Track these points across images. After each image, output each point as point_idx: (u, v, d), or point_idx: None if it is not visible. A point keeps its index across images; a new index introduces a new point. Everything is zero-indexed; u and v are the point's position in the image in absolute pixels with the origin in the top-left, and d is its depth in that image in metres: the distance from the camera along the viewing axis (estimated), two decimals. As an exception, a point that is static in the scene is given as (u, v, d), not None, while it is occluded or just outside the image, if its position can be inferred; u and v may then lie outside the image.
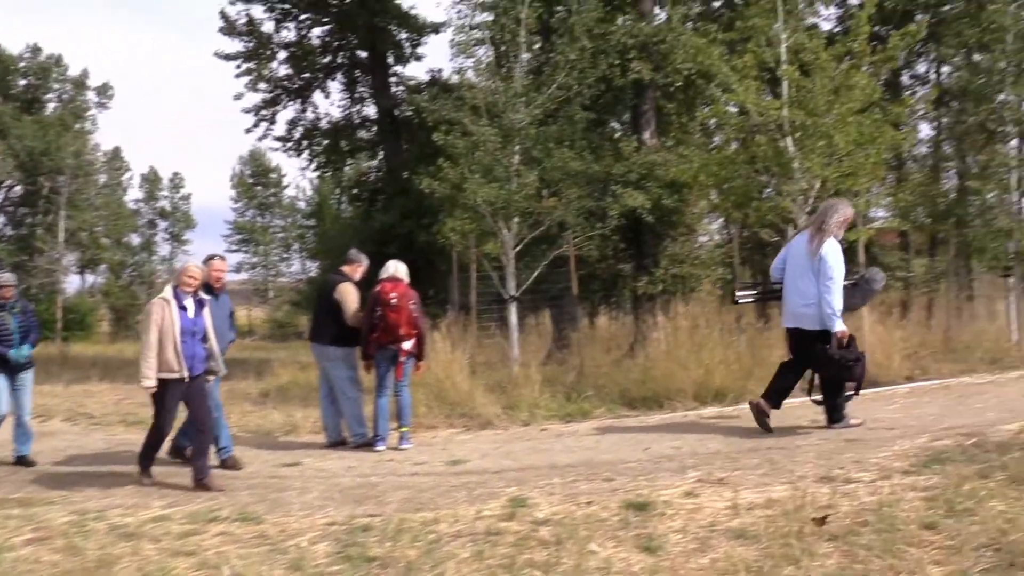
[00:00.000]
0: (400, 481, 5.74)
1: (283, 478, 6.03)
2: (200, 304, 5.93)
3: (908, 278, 21.89)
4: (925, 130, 23.89)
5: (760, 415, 6.34)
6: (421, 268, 19.65)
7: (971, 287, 14.63)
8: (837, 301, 6.01)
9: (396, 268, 7.11)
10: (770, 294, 7.05)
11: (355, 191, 26.91)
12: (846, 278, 6.25)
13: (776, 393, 6.47)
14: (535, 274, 10.94)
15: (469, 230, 10.33)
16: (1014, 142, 10.50)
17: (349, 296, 7.17)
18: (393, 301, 6.79)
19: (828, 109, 8.14)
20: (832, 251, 6.08)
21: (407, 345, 6.91)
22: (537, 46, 13.00)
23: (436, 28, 22.01)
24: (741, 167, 8.83)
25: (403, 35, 22.69)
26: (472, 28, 11.77)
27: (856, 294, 6.47)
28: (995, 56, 10.08)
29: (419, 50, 22.92)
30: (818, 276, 6.06)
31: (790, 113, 8.53)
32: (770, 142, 8.53)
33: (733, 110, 9.32)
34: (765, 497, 4.36)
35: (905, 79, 22.29)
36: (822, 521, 3.78)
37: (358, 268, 7.47)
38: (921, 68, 22.45)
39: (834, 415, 6.33)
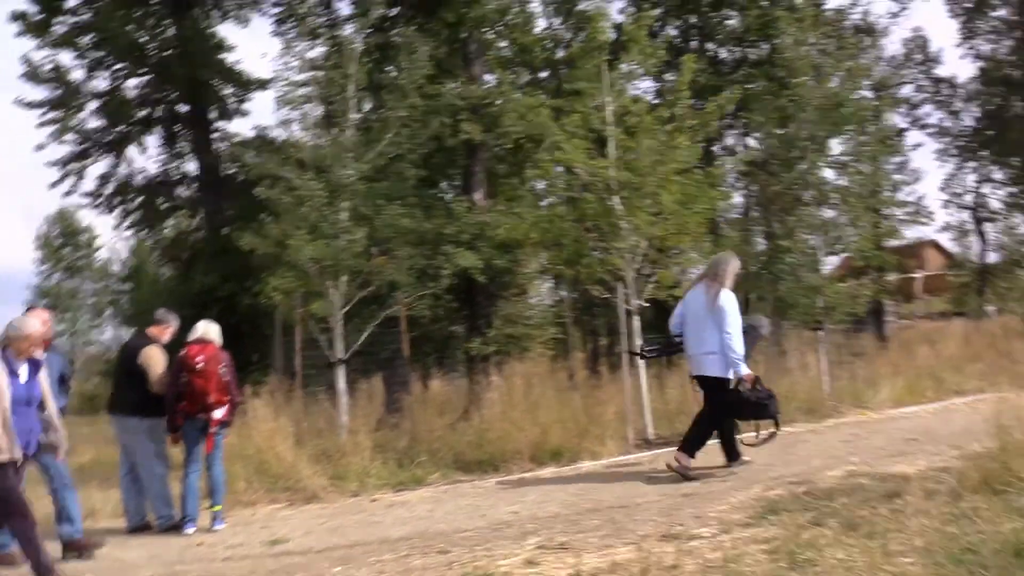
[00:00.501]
0: (210, 569, 5.11)
1: (76, 573, 5.21)
2: (35, 366, 5.06)
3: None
4: (736, 198, 25.66)
5: (682, 470, 6.41)
6: (245, 332, 18.57)
7: (784, 342, 15.53)
8: (739, 346, 6.33)
9: (205, 329, 6.50)
10: (673, 348, 7.23)
11: (173, 252, 25.37)
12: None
13: (693, 443, 6.59)
14: (364, 335, 10.48)
15: (294, 289, 9.76)
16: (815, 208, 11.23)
17: (155, 360, 6.47)
18: (200, 366, 6.17)
19: (653, 169, 8.36)
20: (729, 300, 6.42)
21: (218, 414, 6.28)
22: (368, 104, 12.78)
23: (263, 84, 21.34)
24: (570, 225, 8.88)
25: (227, 90, 21.85)
26: (300, 85, 11.39)
27: (746, 341, 6.67)
28: (798, 126, 10.80)
29: (244, 106, 22.11)
30: (719, 325, 6.34)
31: (617, 173, 8.70)
32: (598, 201, 8.65)
33: (561, 170, 9.40)
34: (609, 561, 4.15)
35: (717, 150, 23.86)
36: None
37: (166, 330, 6.79)
38: (730, 140, 24.25)
39: (731, 453, 6.68)
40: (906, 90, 32.71)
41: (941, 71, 33.72)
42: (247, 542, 5.85)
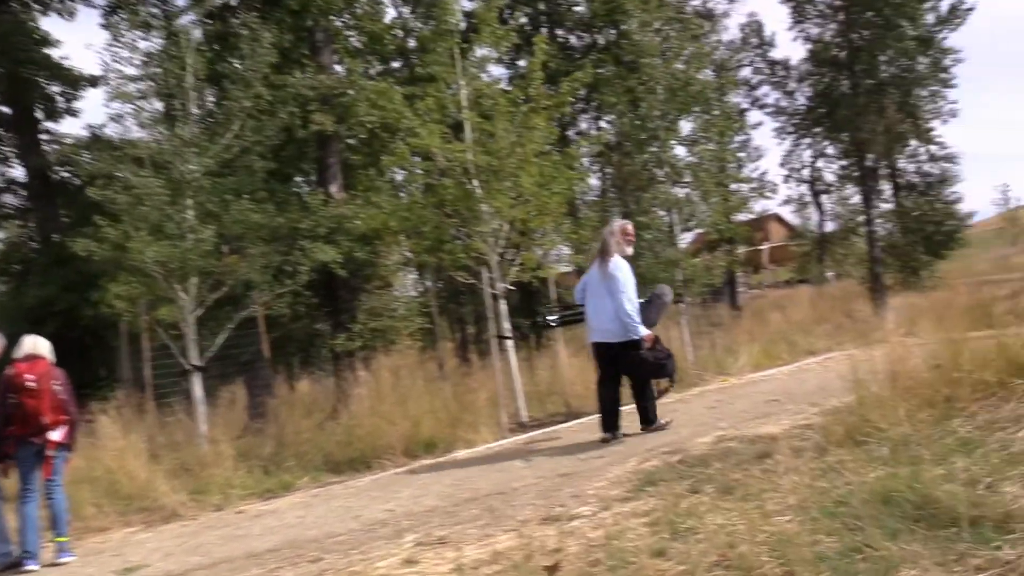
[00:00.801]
0: (54, 606, 4.60)
1: None
2: None
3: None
4: (593, 180, 26.16)
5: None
6: (90, 346, 17.27)
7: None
8: (633, 310, 6.62)
9: (34, 344, 5.88)
10: (576, 316, 7.50)
11: (3, 264, 23.35)
12: (639, 297, 6.90)
13: (609, 420, 6.81)
14: (220, 339, 9.90)
15: (138, 295, 9.07)
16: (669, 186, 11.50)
17: (-24, 383, 5.80)
18: (31, 384, 5.57)
19: (511, 152, 8.26)
20: (621, 267, 6.72)
21: (55, 435, 5.71)
22: (210, 96, 12.08)
23: (94, 81, 19.87)
24: (430, 212, 8.67)
25: (54, 88, 20.22)
26: (134, 79, 10.58)
27: (651, 310, 7.11)
28: (650, 105, 11.00)
29: (75, 104, 20.52)
30: (612, 293, 6.61)
31: (475, 157, 8.55)
32: (457, 185, 8.48)
33: (418, 158, 9.15)
34: (490, 551, 3.99)
35: (572, 135, 24.22)
36: (554, 568, 3.47)
37: (-8, 349, 6.11)
38: (584, 125, 24.66)
39: (648, 416, 6.87)
40: (745, 72, 34.33)
41: (775, 54, 35.52)
42: (98, 572, 5.34)
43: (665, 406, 8.19)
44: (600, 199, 22.64)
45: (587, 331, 7.15)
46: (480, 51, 9.37)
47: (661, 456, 5.56)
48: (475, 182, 8.48)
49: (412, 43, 19.52)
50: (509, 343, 8.99)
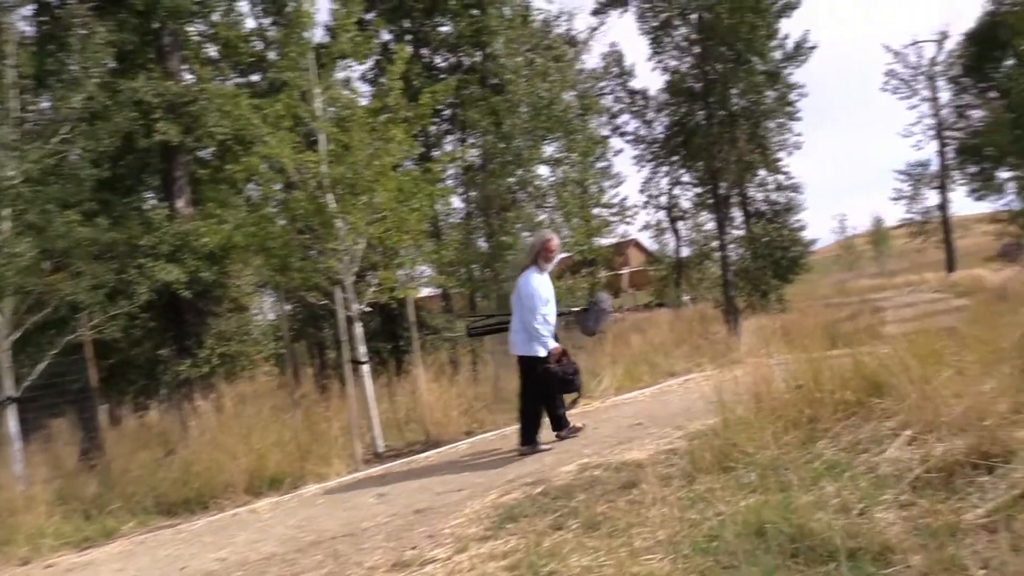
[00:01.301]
0: None
1: None
2: None
3: (454, 338, 23.14)
4: (457, 203, 25.92)
5: (533, 453, 6.59)
6: None
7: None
8: (540, 324, 6.50)
9: None
10: (497, 326, 7.49)
11: None
12: (578, 305, 7.13)
13: (529, 434, 6.76)
14: (40, 367, 8.89)
15: (-63, 317, 8.00)
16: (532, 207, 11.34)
17: None
18: None
19: (367, 164, 7.80)
20: (529, 281, 6.57)
21: None
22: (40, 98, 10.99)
23: None
24: (279, 227, 8.06)
25: None
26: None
27: (590, 318, 7.34)
28: (513, 124, 10.81)
29: None
30: (521, 306, 6.58)
31: (330, 169, 8.04)
32: (310, 199, 7.92)
33: (268, 170, 8.51)
34: (330, 606, 3.51)
35: (437, 155, 23.91)
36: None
37: None
38: (448, 147, 24.41)
39: (560, 423, 6.89)
40: (606, 101, 35.16)
41: (635, 84, 36.59)
42: None
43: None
44: (465, 221, 22.38)
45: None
46: (339, 60, 8.88)
47: (523, 487, 5.22)
48: (329, 196, 7.95)
49: (272, 55, 18.70)
50: (365, 368, 8.47)
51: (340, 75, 9.53)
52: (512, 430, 8.36)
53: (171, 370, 14.36)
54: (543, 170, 11.54)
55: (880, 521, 3.24)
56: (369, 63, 22.60)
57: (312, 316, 21.75)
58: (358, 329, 8.45)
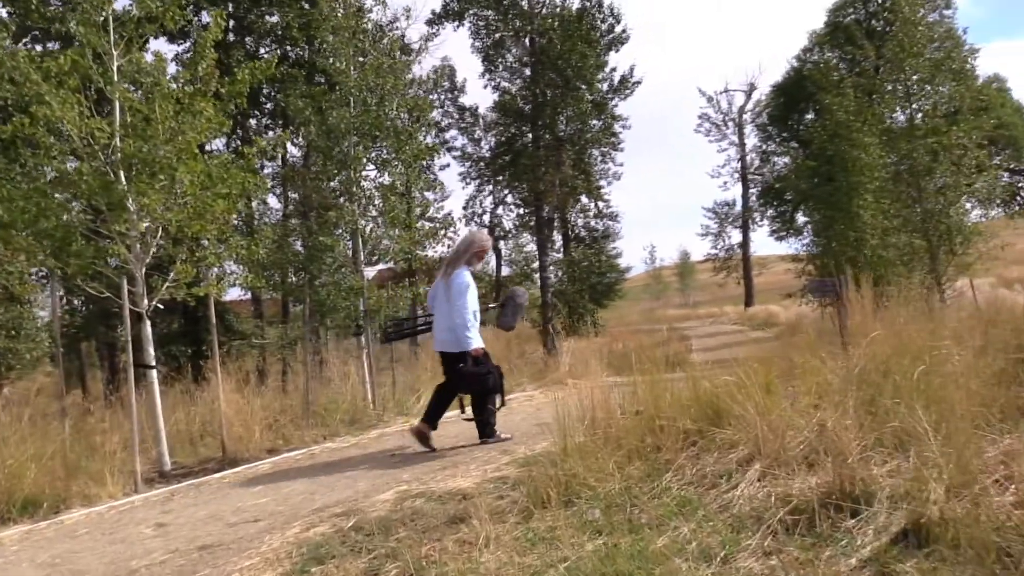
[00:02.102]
0: None
1: None
2: None
3: (263, 345, 21.71)
4: (274, 202, 24.47)
5: (422, 438, 6.55)
6: None
7: (323, 350, 14.72)
8: (468, 321, 6.32)
9: None
10: (417, 327, 7.31)
11: None
12: (494, 301, 6.29)
13: (433, 414, 6.68)
14: None
15: None
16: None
17: None
18: None
19: (169, 139, 6.78)
20: (463, 278, 6.45)
21: None
22: None
23: None
24: (56, 203, 6.84)
25: None
26: None
27: (507, 313, 7.30)
28: (340, 116, 10.01)
29: None
30: (449, 300, 6.39)
31: (125, 142, 6.94)
32: (96, 174, 6.77)
33: (47, 136, 7.23)
34: None
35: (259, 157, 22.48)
36: None
37: None
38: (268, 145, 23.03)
39: (485, 430, 6.59)
40: (435, 115, 34.73)
41: (466, 100, 36.51)
42: None
43: (337, 454, 7.18)
44: (282, 221, 21.14)
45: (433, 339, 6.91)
46: (145, 22, 7.76)
47: (331, 519, 4.49)
48: (121, 172, 6.85)
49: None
50: (152, 374, 7.37)
51: (148, 47, 8.36)
52: (321, 449, 7.58)
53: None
54: (370, 173, 10.76)
55: (748, 571, 2.85)
56: (185, 45, 20.98)
57: (103, 313, 19.64)
58: (147, 329, 7.35)
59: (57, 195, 6.88)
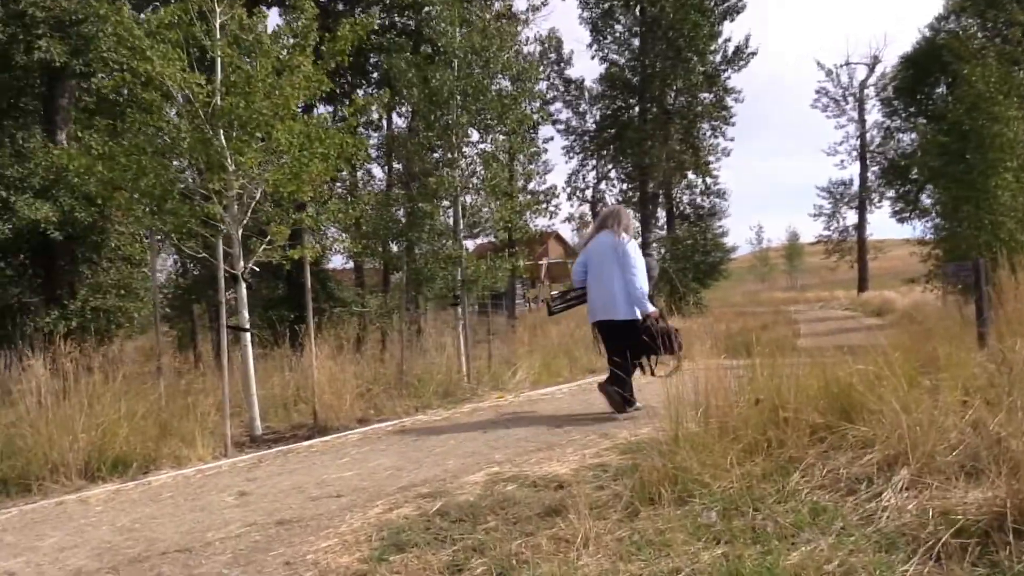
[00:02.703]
0: None
1: None
2: None
3: (363, 313, 21.87)
4: (378, 174, 24.53)
5: (617, 398, 6.56)
6: None
7: (421, 320, 14.57)
8: (645, 286, 6.58)
9: None
10: (577, 299, 7.25)
11: None
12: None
13: (614, 382, 6.60)
14: None
15: None
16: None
17: None
18: None
19: (268, 95, 6.57)
20: (632, 247, 6.65)
21: None
22: None
23: None
24: (154, 159, 6.73)
25: None
26: None
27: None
28: (443, 79, 9.67)
29: None
30: (624, 271, 6.52)
31: (224, 99, 6.78)
32: (194, 129, 6.63)
33: (148, 91, 7.13)
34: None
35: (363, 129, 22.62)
36: None
37: None
38: (375, 115, 23.11)
39: (627, 398, 6.59)
40: (541, 85, 34.21)
41: (572, 73, 35.87)
42: None
43: (426, 426, 6.92)
44: (385, 192, 21.12)
45: (593, 310, 6.83)
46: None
47: (416, 500, 4.17)
48: (220, 129, 6.69)
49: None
50: (246, 337, 7.26)
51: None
52: (412, 421, 7.34)
53: (34, 320, 12.75)
54: (472, 140, 10.42)
55: (906, 604, 2.34)
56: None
57: (212, 276, 20.18)
58: (243, 291, 7.23)
59: (156, 153, 6.76)
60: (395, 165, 22.78)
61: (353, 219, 8.11)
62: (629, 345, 6.58)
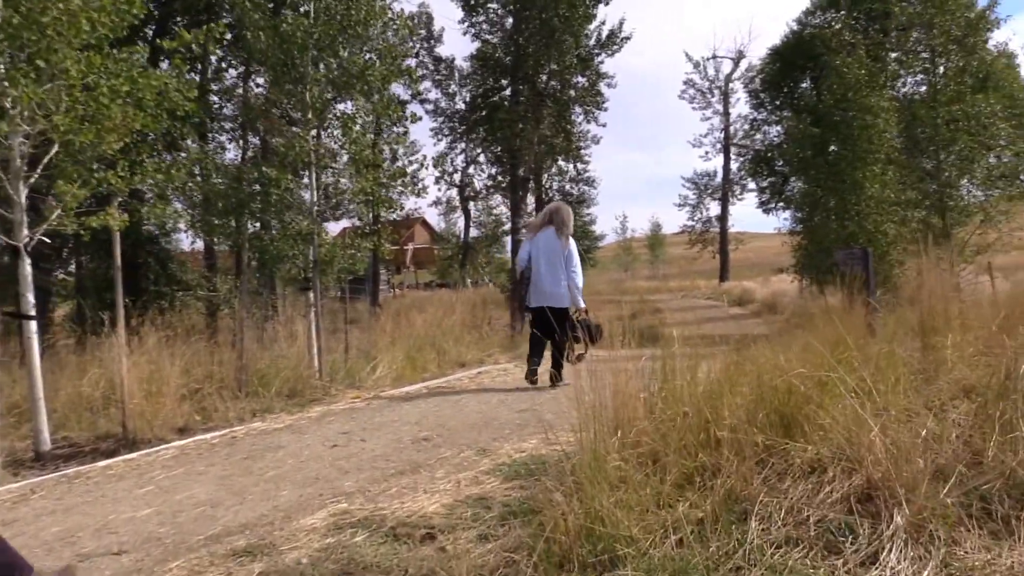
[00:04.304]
0: None
1: None
2: None
3: (211, 298, 19.90)
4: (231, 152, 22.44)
5: (536, 377, 7.41)
6: None
7: (278, 306, 13.02)
8: (582, 283, 7.56)
9: None
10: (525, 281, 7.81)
11: None
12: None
13: (535, 355, 7.52)
14: None
15: None
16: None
17: None
18: None
19: (48, 6, 5.04)
20: (575, 247, 7.58)
21: None
22: None
23: None
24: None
25: None
26: None
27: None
28: (296, 23, 8.28)
29: None
30: (567, 267, 7.39)
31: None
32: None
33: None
34: None
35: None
36: None
37: None
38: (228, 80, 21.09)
39: (560, 375, 7.37)
40: (410, 61, 32.63)
41: (442, 51, 34.61)
42: None
43: (265, 437, 5.66)
44: (237, 165, 19.22)
45: (536, 296, 7.51)
46: None
47: (227, 563, 2.96)
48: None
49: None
50: (31, 327, 5.74)
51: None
52: (246, 431, 6.02)
53: None
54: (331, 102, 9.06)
55: None
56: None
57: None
58: (26, 268, 5.69)
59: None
60: (253, 140, 20.89)
61: (175, 180, 6.66)
62: (561, 328, 7.25)
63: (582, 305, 7.48)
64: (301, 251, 8.48)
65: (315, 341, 8.47)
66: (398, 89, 16.15)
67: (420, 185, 10.24)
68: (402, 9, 27.32)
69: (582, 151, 30.15)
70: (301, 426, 5.99)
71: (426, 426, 5.61)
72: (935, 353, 5.11)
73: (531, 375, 7.42)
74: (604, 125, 31.44)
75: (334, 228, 13.83)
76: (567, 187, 33.66)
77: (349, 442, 5.18)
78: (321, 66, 8.63)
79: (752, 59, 43.74)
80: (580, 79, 28.33)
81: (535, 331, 7.58)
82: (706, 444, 3.31)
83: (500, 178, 32.46)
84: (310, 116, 8.48)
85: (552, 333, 7.31)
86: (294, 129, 8.32)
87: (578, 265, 7.50)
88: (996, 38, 16.23)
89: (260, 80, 21.72)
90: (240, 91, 22.32)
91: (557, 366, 7.40)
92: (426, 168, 22.47)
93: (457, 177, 35.00)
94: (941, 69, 14.65)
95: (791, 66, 25.09)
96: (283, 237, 8.39)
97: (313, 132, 8.46)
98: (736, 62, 41.60)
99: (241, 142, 22.30)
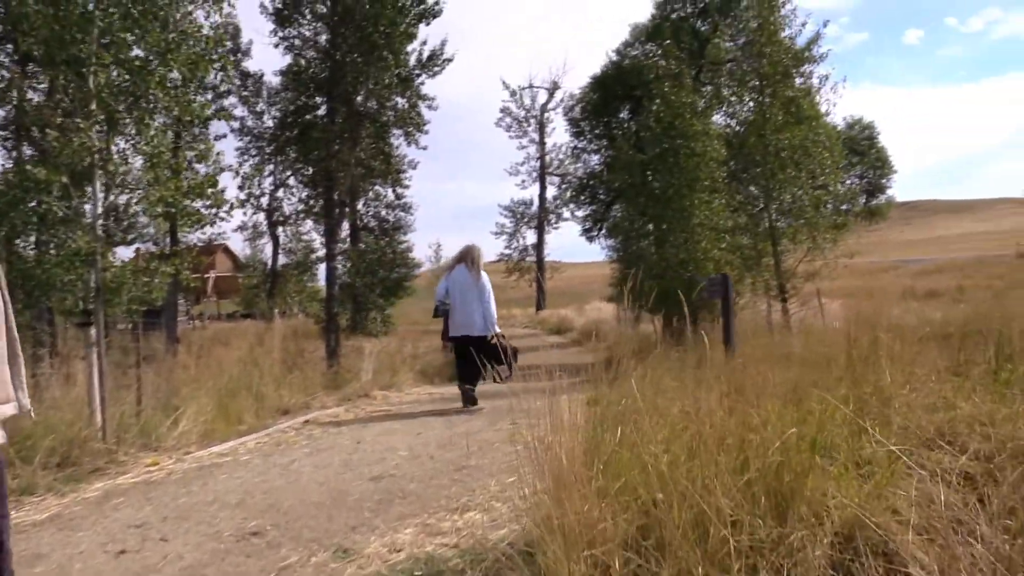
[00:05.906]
0: None
1: None
2: None
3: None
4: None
5: (471, 400, 8.25)
6: None
7: (53, 344, 10.71)
8: (495, 313, 8.41)
9: None
10: (445, 313, 8.61)
11: None
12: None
13: (471, 381, 8.30)
14: None
15: None
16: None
17: None
18: None
19: None
20: (487, 280, 8.48)
21: None
22: None
23: None
24: None
25: None
26: None
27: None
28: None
29: None
30: (481, 298, 8.31)
31: None
32: None
33: None
34: None
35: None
36: None
37: None
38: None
39: (474, 399, 8.28)
40: (214, 78, 30.26)
41: (250, 66, 32.50)
42: None
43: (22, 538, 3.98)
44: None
45: (454, 326, 8.35)
46: None
47: None
48: None
49: None
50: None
51: None
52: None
53: None
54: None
55: None
56: None
57: None
58: None
59: None
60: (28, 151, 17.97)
61: None
62: (479, 355, 7.12)
63: (497, 331, 8.21)
64: (80, 276, 6.70)
65: (98, 390, 6.68)
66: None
67: (231, 204, 8.63)
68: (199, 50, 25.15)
69: (401, 175, 29.05)
70: (73, 516, 4.33)
71: (253, 509, 4.19)
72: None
73: (469, 401, 8.20)
74: (425, 148, 30.52)
75: (125, 251, 11.79)
76: (383, 212, 32.40)
77: (143, 543, 3.68)
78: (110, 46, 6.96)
79: (569, 89, 44.55)
80: (401, 100, 27.30)
81: (460, 360, 8.31)
82: (695, 540, 2.28)
83: (312, 202, 30.63)
84: (94, 107, 6.77)
85: (471, 360, 7.50)
86: (75, 120, 6.56)
87: (491, 296, 8.33)
88: (820, 71, 16.81)
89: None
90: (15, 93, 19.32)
91: (472, 385, 8.23)
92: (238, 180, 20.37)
93: (265, 200, 32.76)
94: (768, 100, 14.87)
95: (611, 95, 25.30)
96: (56, 259, 6.59)
97: (97, 128, 6.74)
98: (551, 92, 42.14)
99: (15, 153, 19.26)
